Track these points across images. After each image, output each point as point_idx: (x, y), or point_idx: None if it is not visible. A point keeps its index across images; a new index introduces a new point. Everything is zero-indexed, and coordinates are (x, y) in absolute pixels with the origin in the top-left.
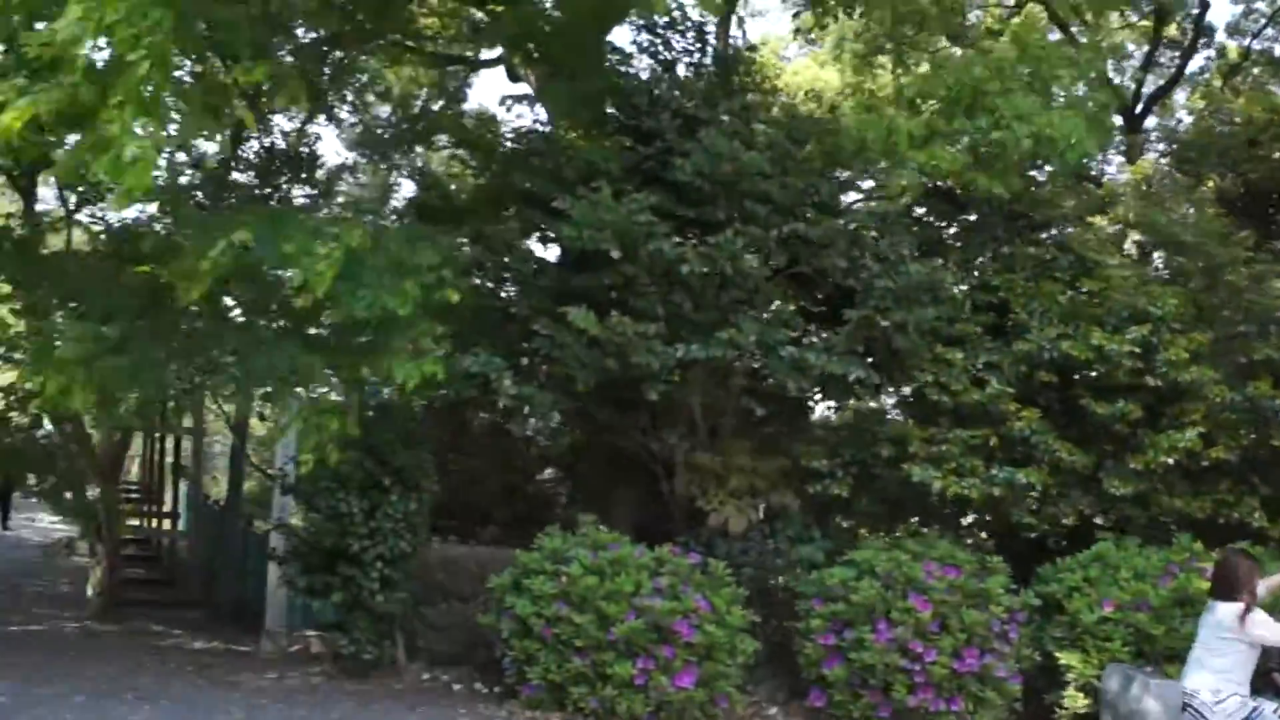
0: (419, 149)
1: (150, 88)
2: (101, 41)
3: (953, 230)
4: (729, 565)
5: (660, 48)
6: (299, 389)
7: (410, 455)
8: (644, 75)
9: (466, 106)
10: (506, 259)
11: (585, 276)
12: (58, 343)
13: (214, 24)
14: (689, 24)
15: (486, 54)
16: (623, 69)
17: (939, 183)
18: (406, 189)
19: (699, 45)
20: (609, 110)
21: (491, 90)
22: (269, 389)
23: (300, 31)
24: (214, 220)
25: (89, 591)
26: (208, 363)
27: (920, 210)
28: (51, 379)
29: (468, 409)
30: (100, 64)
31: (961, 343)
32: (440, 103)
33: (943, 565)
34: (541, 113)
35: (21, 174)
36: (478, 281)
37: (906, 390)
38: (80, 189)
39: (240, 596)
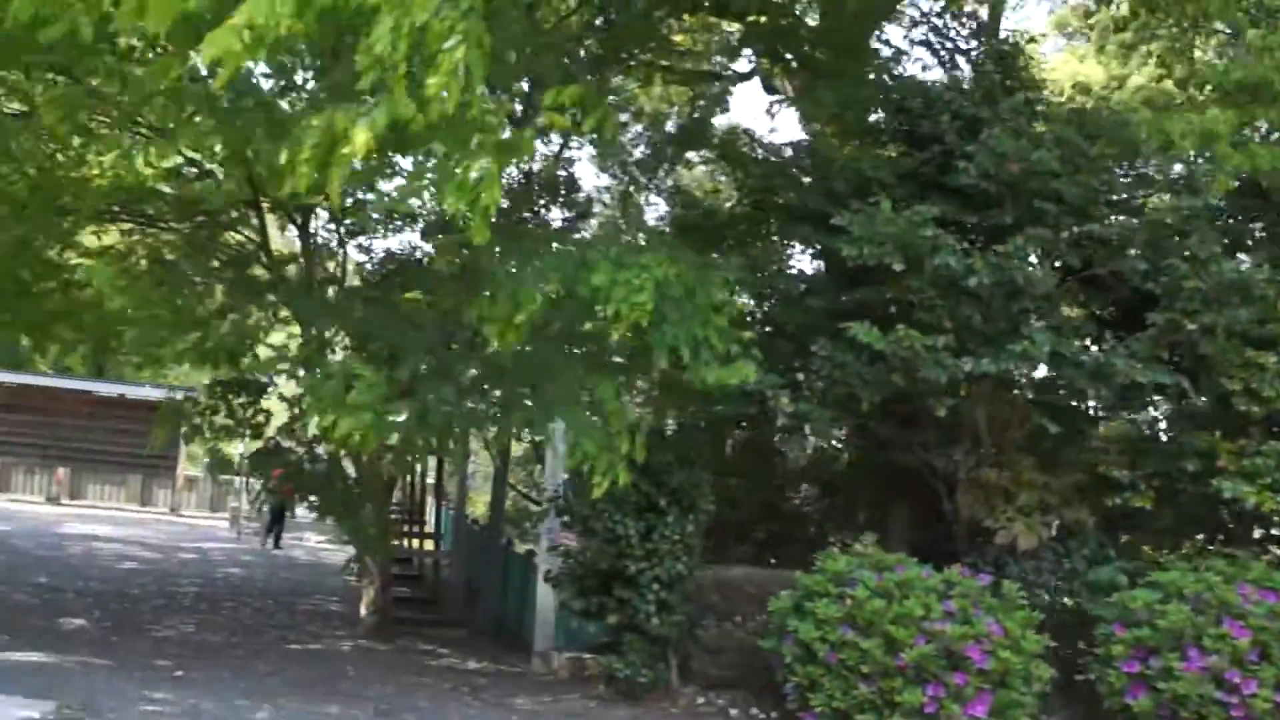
0: (675, 167)
1: (465, 80)
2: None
3: (1260, 225)
4: (1020, 587)
5: (937, 41)
6: (594, 414)
7: (687, 475)
8: (913, 74)
9: (721, 122)
10: (772, 275)
11: (861, 291)
12: (349, 388)
13: (525, 51)
14: (964, 15)
15: (739, 68)
16: (891, 71)
17: (1244, 177)
18: (657, 206)
19: (977, 38)
20: (874, 116)
21: (744, 106)
22: (563, 416)
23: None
24: (518, 252)
25: (362, 610)
26: (502, 398)
27: (1220, 204)
28: (343, 422)
29: (725, 427)
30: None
31: (1274, 345)
32: (694, 118)
33: (1259, 588)
34: (802, 124)
35: (297, 208)
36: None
37: (1201, 400)
38: (349, 221)
39: (501, 616)
